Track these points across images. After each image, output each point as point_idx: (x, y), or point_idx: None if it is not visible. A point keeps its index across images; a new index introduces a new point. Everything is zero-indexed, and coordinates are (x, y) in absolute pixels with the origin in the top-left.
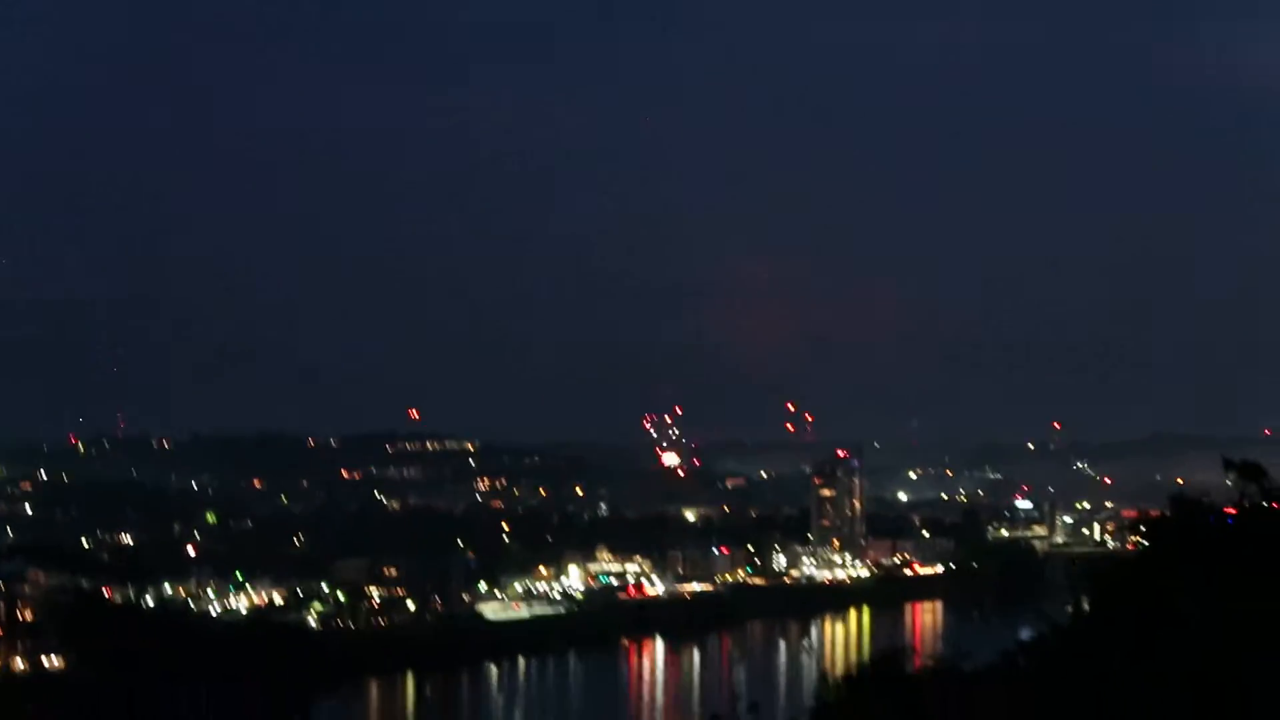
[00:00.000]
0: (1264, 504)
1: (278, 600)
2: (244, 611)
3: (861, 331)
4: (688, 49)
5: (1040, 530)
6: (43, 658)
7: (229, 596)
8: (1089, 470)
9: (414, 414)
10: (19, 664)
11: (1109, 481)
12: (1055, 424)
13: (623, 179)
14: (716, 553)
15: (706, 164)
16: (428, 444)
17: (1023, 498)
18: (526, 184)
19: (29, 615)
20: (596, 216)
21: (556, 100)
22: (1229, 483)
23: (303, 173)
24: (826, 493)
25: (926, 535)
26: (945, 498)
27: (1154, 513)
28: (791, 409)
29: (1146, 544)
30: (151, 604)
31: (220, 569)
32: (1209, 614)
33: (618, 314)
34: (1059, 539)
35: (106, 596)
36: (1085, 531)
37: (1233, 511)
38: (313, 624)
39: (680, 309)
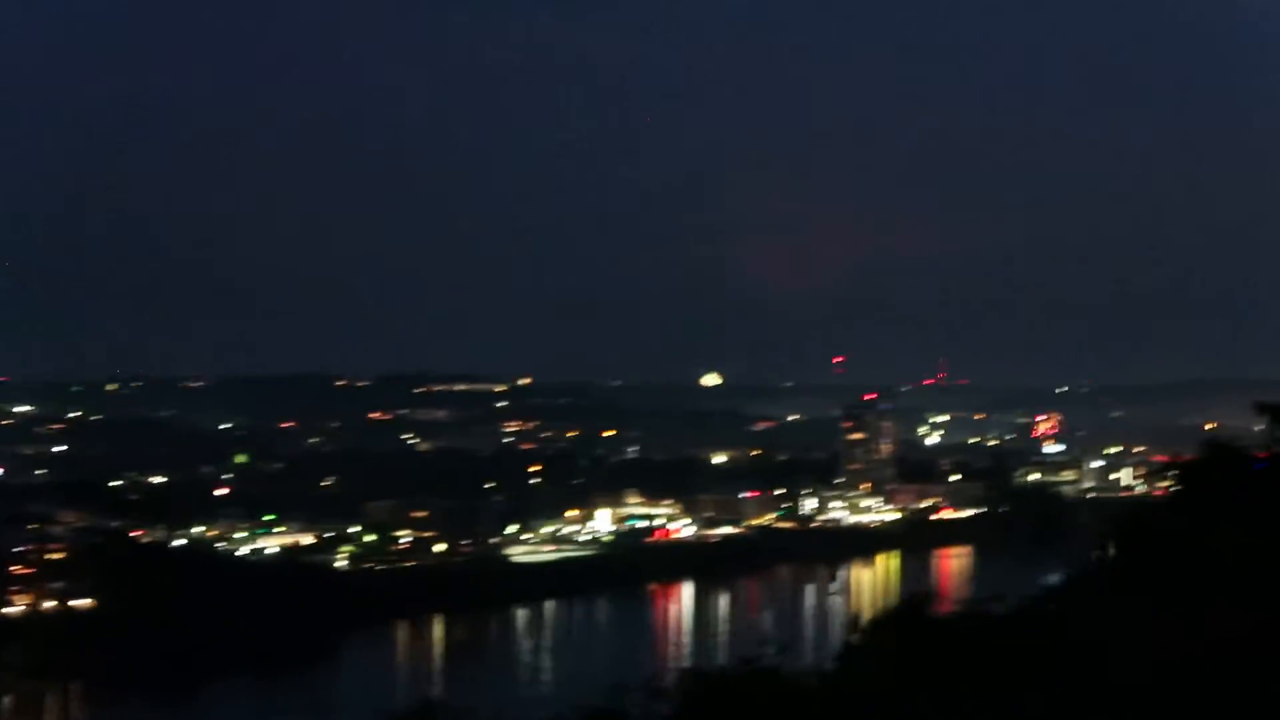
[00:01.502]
0: None
1: (307, 541)
2: (274, 552)
3: (892, 276)
4: None
5: (1070, 475)
6: (71, 599)
7: (259, 537)
8: (1119, 414)
9: (445, 356)
10: (48, 604)
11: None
12: (1087, 380)
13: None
14: (745, 496)
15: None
16: (458, 385)
17: (1051, 437)
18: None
19: (59, 556)
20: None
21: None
22: (1258, 428)
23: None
24: (856, 436)
25: (956, 479)
26: (975, 441)
27: (1185, 457)
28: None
29: (1177, 488)
30: (181, 544)
31: (250, 510)
32: (1240, 555)
33: (645, 255)
34: (1088, 483)
35: (136, 537)
36: (1115, 476)
37: (1264, 456)
38: (342, 565)
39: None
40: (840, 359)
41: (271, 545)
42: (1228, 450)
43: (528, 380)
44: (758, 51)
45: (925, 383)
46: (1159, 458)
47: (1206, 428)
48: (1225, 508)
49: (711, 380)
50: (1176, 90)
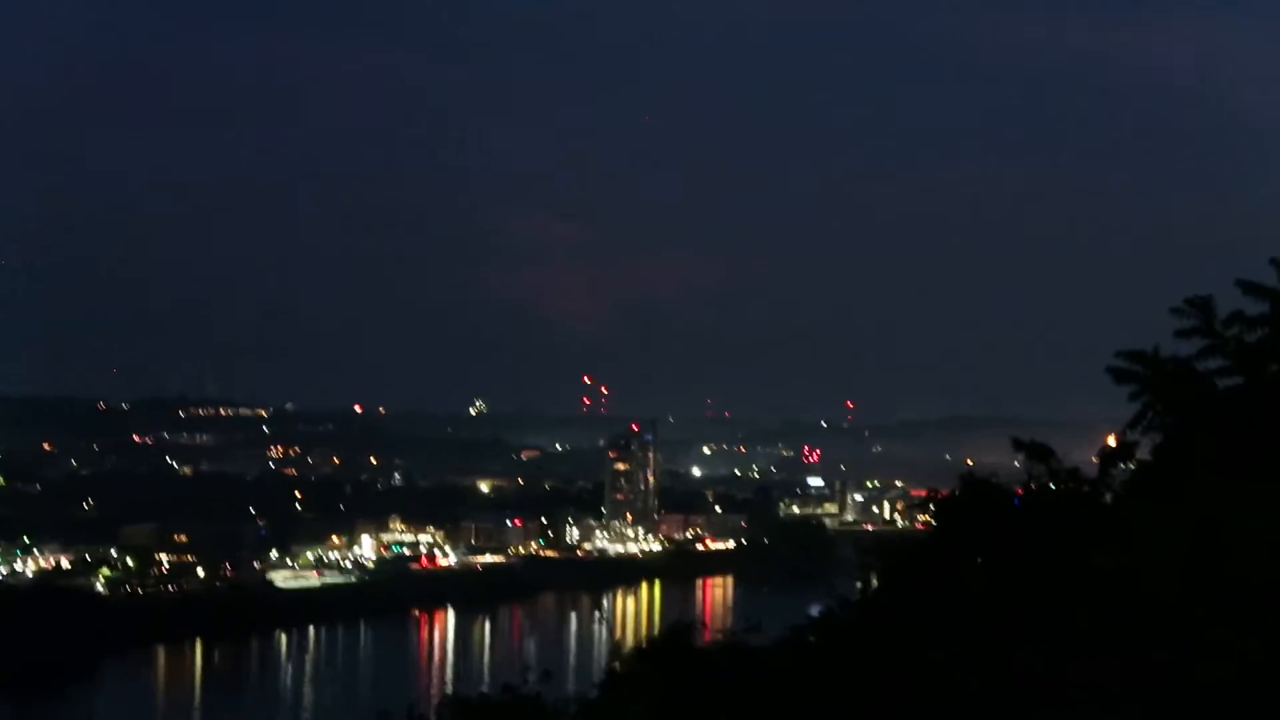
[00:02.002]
0: (1051, 485)
1: (65, 565)
2: (30, 575)
3: (660, 306)
4: None
5: (831, 508)
6: None
7: (14, 559)
8: (880, 449)
9: (208, 380)
10: None
11: (900, 461)
12: (848, 404)
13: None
14: (510, 524)
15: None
16: (220, 410)
17: (812, 470)
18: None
19: None
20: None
21: None
22: (1017, 464)
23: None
24: (621, 466)
25: (719, 510)
26: (738, 474)
27: (943, 492)
28: (588, 382)
29: (935, 522)
30: None
31: (6, 532)
32: (993, 588)
33: (417, 278)
34: (849, 516)
35: None
36: (875, 510)
37: (1020, 492)
38: (101, 589)
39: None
40: (605, 390)
41: (28, 568)
42: (984, 485)
43: (290, 406)
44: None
45: (691, 415)
46: (918, 492)
47: (966, 463)
48: (981, 543)
49: (477, 408)
50: None
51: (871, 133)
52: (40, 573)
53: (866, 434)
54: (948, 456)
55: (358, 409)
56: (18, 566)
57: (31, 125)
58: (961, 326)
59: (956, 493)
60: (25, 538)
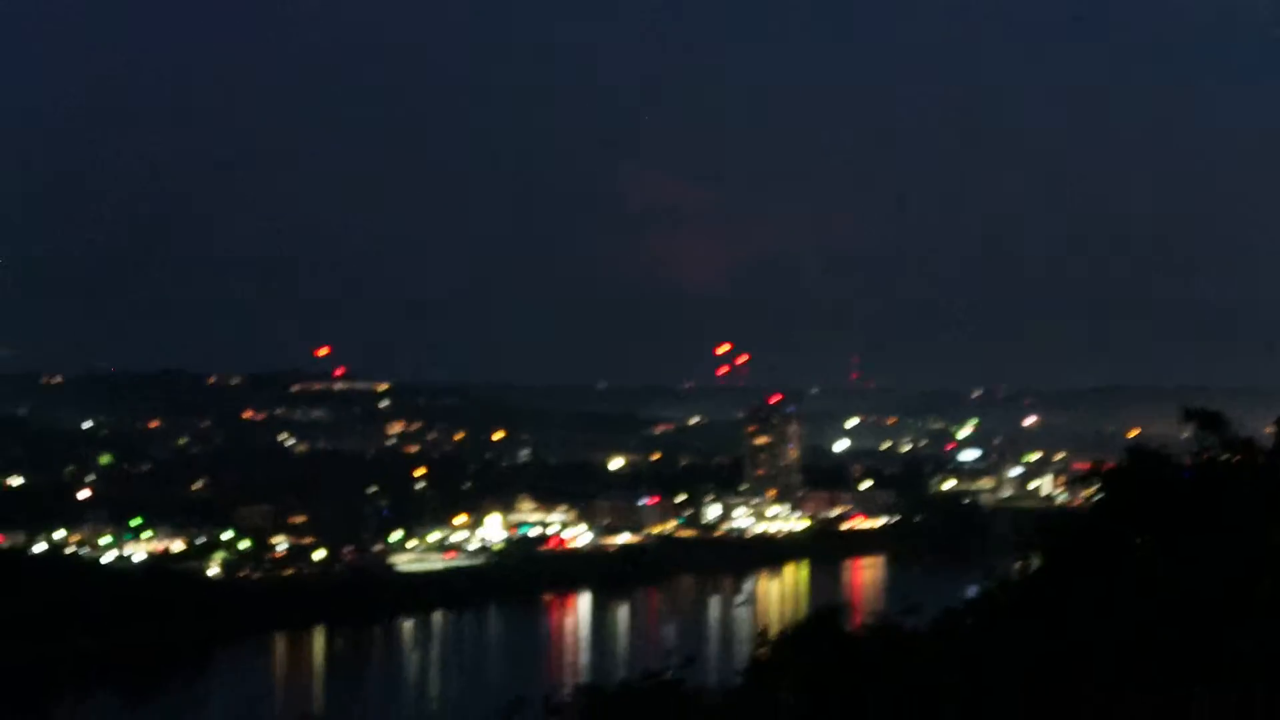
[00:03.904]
0: (1224, 456)
1: (177, 548)
2: (141, 560)
3: (800, 272)
4: None
5: (986, 483)
6: None
7: (125, 544)
8: (1038, 421)
9: (322, 352)
10: None
11: (1058, 432)
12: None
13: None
14: (644, 503)
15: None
16: (336, 384)
17: (965, 443)
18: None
19: None
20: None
21: None
22: (1186, 434)
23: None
24: (761, 440)
25: (867, 486)
26: (887, 447)
27: (1107, 464)
28: (725, 351)
29: (1100, 497)
30: (42, 551)
31: (116, 514)
32: (1168, 568)
33: (543, 245)
34: (1006, 492)
35: None
36: (1034, 485)
37: (1191, 465)
38: (214, 573)
39: (611, 241)
40: (743, 359)
41: (139, 552)
42: (1153, 457)
43: (411, 380)
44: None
45: (835, 385)
46: (1080, 465)
47: (1130, 434)
48: (1151, 519)
49: (607, 381)
50: None
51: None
52: (151, 556)
53: (1026, 403)
54: (1110, 428)
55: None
56: (128, 550)
57: (148, 89)
58: (1120, 290)
59: (1123, 465)
60: (135, 520)
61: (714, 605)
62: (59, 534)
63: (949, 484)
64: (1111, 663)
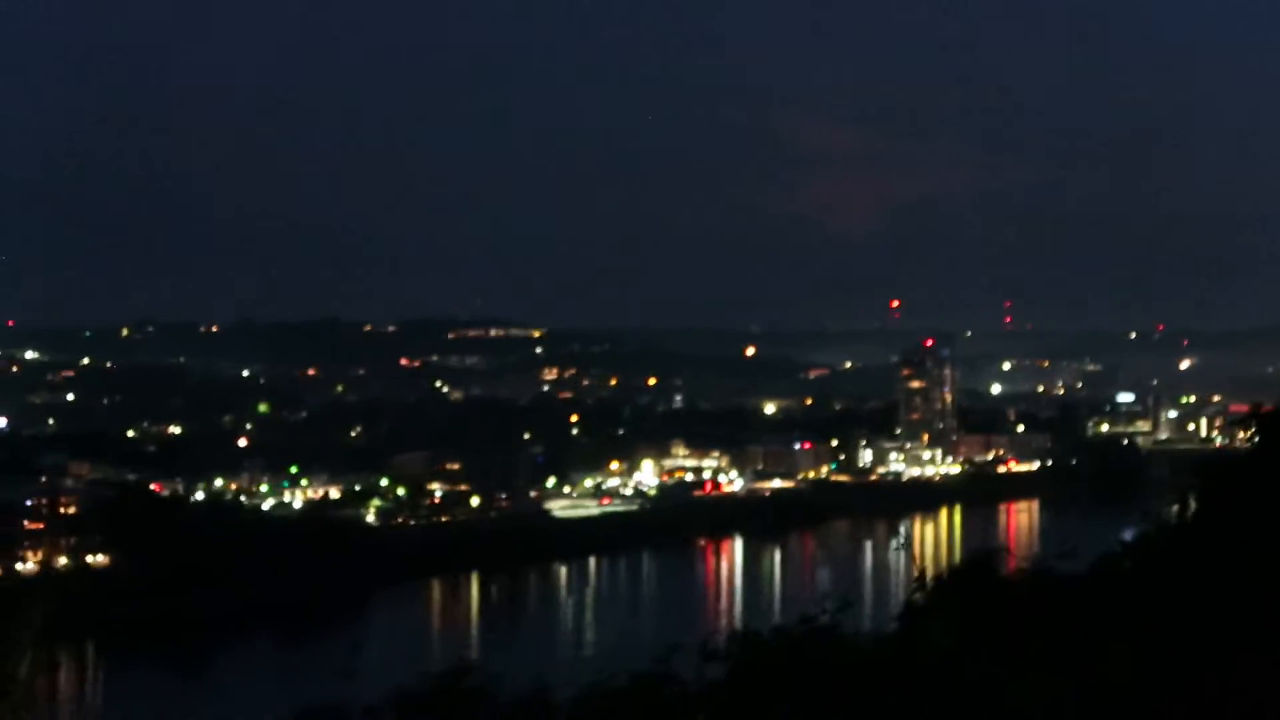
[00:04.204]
0: None
1: (334, 495)
2: (299, 507)
3: (951, 213)
4: None
5: (1143, 425)
6: (87, 555)
7: (283, 491)
8: (1195, 361)
9: (477, 300)
10: (61, 561)
11: (1217, 374)
12: (1158, 326)
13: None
14: (798, 448)
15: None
16: (490, 331)
17: (1122, 384)
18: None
19: (72, 510)
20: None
21: None
22: None
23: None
24: (915, 384)
25: (1022, 430)
26: (1042, 390)
27: (1267, 407)
28: (891, 300)
29: (1258, 439)
30: (201, 499)
31: (273, 462)
32: None
33: (686, 192)
34: (1163, 435)
35: (153, 490)
36: (1191, 427)
37: None
38: (371, 520)
39: (760, 184)
40: (896, 303)
41: (296, 499)
42: None
43: (564, 326)
44: None
45: (988, 328)
46: (1238, 408)
47: None
48: None
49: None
50: None
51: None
52: (308, 504)
53: (1185, 343)
54: (1270, 369)
55: (635, 328)
56: (286, 498)
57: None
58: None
59: None
60: (292, 468)
61: (868, 549)
62: (218, 482)
63: (1105, 427)
64: (1267, 607)
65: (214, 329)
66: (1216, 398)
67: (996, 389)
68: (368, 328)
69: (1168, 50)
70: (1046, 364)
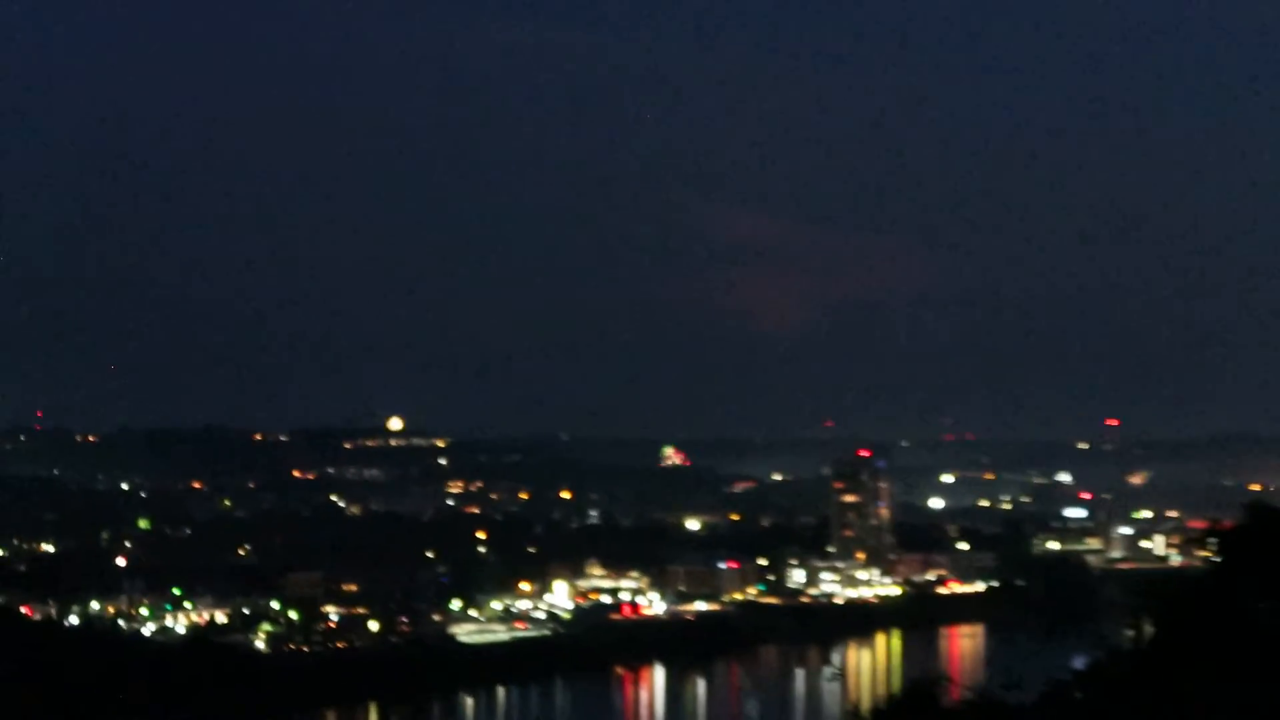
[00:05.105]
0: None
1: (221, 619)
2: (182, 632)
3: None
4: None
5: (1094, 543)
6: None
7: (165, 614)
8: (1146, 475)
9: (375, 409)
10: None
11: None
12: (1111, 420)
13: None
14: (723, 567)
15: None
16: (390, 440)
17: (1071, 500)
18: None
19: None
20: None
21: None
22: None
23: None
24: (849, 498)
25: (964, 548)
26: (985, 505)
27: (1226, 523)
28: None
29: (1218, 558)
30: (77, 623)
31: (155, 583)
32: None
33: (605, 286)
34: (1115, 553)
35: (24, 613)
36: (1145, 544)
37: None
38: (261, 646)
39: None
40: (830, 423)
41: (180, 623)
42: (1277, 515)
43: (470, 435)
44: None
45: (926, 438)
46: (1196, 523)
47: (1251, 489)
48: (1276, 582)
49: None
50: None
51: None
52: (193, 628)
53: (1138, 453)
54: (1228, 482)
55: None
56: (168, 622)
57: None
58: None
59: (1243, 524)
60: (175, 589)
61: (799, 679)
62: (94, 605)
63: (1053, 544)
64: None
65: (91, 438)
66: (1172, 513)
67: (937, 503)
68: (257, 436)
69: (1126, 140)
70: (990, 476)
